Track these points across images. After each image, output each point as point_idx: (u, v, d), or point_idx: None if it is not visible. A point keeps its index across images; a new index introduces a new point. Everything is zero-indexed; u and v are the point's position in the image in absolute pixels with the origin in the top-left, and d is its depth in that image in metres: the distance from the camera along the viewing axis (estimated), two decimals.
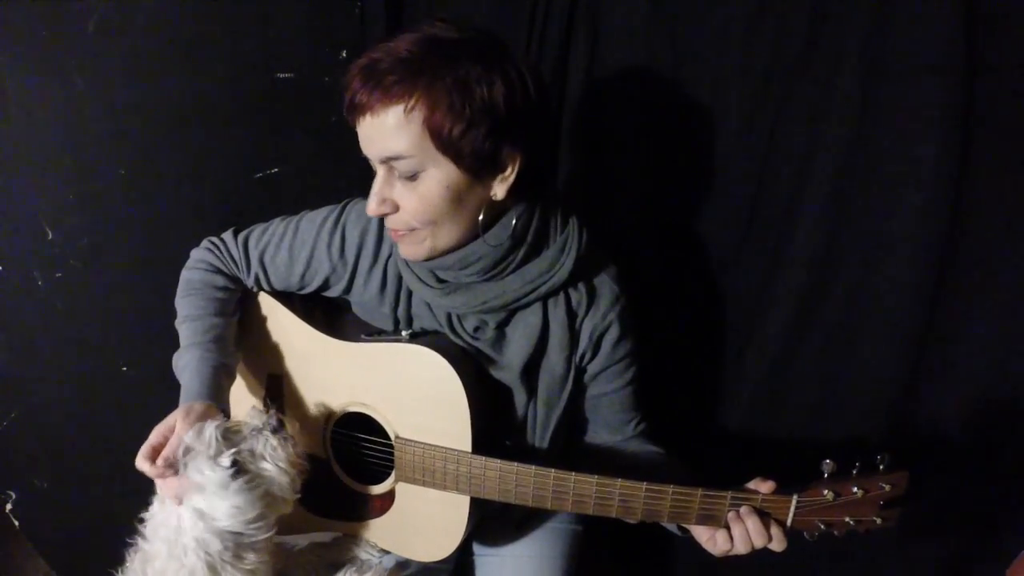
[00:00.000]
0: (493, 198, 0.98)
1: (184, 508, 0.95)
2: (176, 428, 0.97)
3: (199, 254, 1.19)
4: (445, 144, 0.90)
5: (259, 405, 1.10)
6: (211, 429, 0.95)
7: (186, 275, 1.18)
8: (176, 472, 0.94)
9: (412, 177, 0.94)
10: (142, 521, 1.00)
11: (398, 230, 1.01)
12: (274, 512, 1.00)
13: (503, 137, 0.92)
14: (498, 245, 1.01)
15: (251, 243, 1.17)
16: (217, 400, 1.04)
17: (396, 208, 0.98)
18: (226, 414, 1.05)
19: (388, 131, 0.91)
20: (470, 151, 0.91)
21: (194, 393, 1.03)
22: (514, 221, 1.00)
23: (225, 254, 1.17)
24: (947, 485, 1.39)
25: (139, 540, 1.00)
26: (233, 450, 0.95)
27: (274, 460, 0.98)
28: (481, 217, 0.99)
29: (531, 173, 0.98)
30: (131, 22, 1.29)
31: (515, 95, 0.91)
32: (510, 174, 0.96)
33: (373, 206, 0.98)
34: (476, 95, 0.89)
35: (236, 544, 0.96)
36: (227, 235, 1.19)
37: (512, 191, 0.98)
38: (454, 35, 0.91)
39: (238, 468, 0.95)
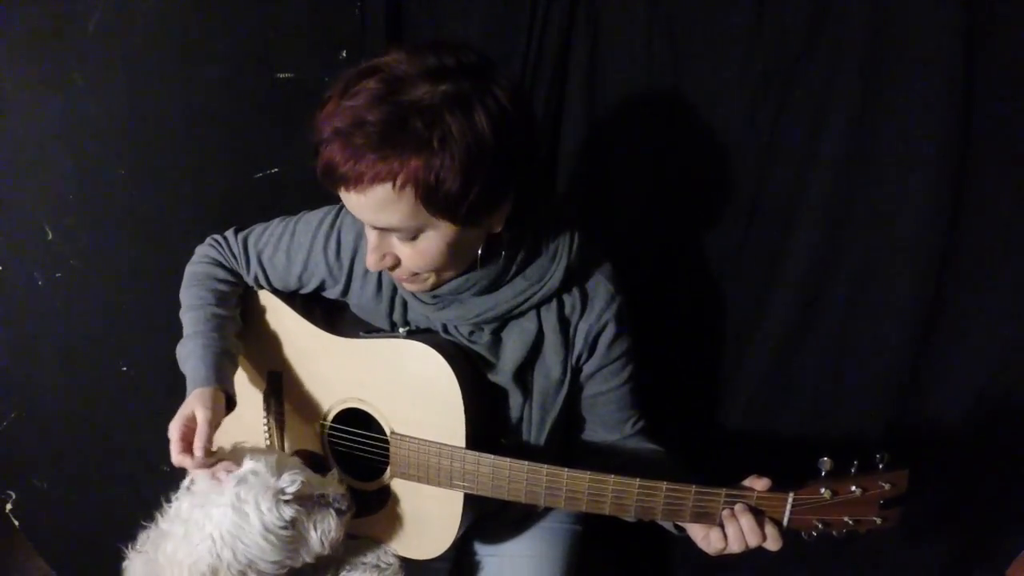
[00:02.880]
0: (490, 232, 0.96)
1: (218, 507, 0.95)
2: (198, 417, 0.98)
3: (203, 249, 1.21)
4: (441, 209, 0.86)
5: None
6: (297, 479, 0.97)
7: (190, 268, 1.20)
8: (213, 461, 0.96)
9: (411, 238, 0.91)
10: (168, 501, 1.02)
11: (402, 276, 1.00)
12: (293, 564, 1.02)
13: (497, 181, 0.87)
14: (494, 267, 1.00)
15: (251, 243, 1.18)
16: (222, 384, 1.05)
17: (397, 261, 0.96)
18: (231, 398, 1.07)
19: (378, 205, 0.85)
20: (467, 208, 0.86)
21: (201, 379, 1.04)
22: (503, 252, 0.99)
23: (227, 251, 1.18)
24: (947, 485, 1.38)
25: (159, 519, 1.02)
26: (298, 507, 0.97)
27: (323, 536, 1.00)
28: (480, 252, 0.98)
29: (526, 198, 0.96)
30: (131, 22, 1.29)
31: (501, 129, 0.84)
32: (506, 207, 0.94)
33: (373, 262, 0.95)
34: (464, 147, 0.82)
35: (248, 566, 0.97)
36: (229, 233, 1.20)
37: (508, 219, 0.96)
38: (412, 71, 0.82)
39: (290, 523, 0.96)
